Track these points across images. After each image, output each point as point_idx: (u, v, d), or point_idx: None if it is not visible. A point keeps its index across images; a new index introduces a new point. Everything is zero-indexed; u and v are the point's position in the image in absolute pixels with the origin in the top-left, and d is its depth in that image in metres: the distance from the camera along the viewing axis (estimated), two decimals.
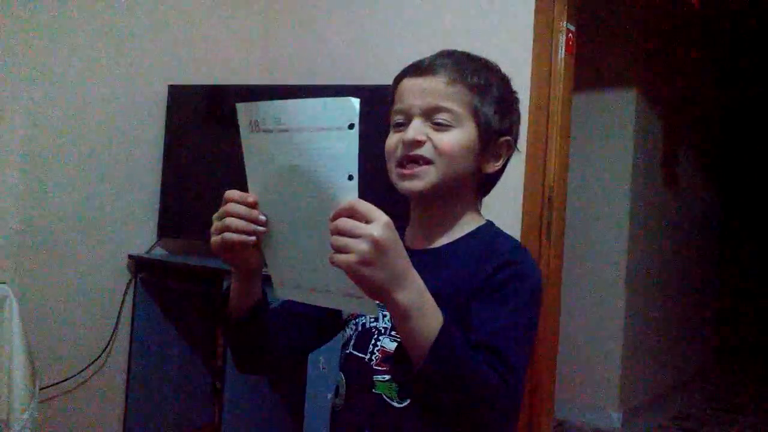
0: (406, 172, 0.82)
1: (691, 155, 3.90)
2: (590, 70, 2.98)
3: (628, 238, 3.14)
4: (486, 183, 0.90)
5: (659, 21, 3.32)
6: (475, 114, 0.83)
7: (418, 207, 0.89)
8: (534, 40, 2.07)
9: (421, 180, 0.82)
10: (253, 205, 0.74)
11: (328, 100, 0.67)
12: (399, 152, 0.83)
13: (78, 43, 2.35)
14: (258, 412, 2.34)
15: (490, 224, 0.90)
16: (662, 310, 3.61)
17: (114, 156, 2.49)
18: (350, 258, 0.64)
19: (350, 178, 0.66)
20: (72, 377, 2.39)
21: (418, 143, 0.81)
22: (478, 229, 0.87)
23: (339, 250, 0.65)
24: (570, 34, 2.11)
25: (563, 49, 2.08)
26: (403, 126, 0.84)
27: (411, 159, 0.82)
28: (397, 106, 0.85)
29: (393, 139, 0.84)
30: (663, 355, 3.68)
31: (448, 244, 0.86)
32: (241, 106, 0.76)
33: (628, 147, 3.15)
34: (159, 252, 2.65)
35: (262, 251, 0.77)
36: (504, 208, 2.12)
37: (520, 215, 2.07)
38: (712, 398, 3.89)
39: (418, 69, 0.85)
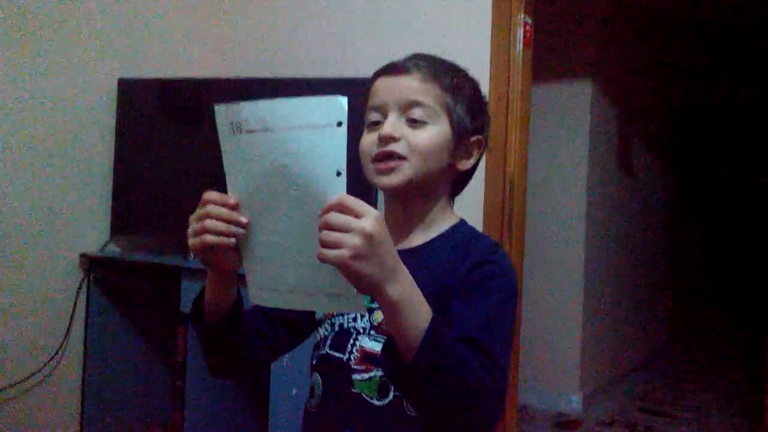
0: (381, 167, 0.82)
1: (645, 145, 4.00)
2: (548, 61, 3.01)
3: (586, 226, 3.20)
4: (459, 181, 0.91)
5: (615, 13, 3.38)
6: (449, 112, 0.84)
7: (393, 204, 0.89)
8: (492, 33, 2.08)
9: (396, 175, 0.82)
10: (234, 207, 0.73)
11: (316, 98, 0.66)
12: (374, 149, 0.83)
13: (21, 37, 2.25)
14: (221, 410, 2.30)
15: (463, 223, 0.91)
16: (620, 295, 3.71)
17: (63, 153, 2.40)
18: (343, 253, 0.63)
19: (338, 174, 0.65)
20: (26, 379, 2.32)
21: (394, 139, 0.81)
22: (453, 227, 0.88)
23: (329, 245, 0.63)
24: (527, 27, 2.12)
25: (521, 42, 2.09)
26: (378, 124, 0.84)
27: (386, 155, 0.82)
28: (372, 102, 0.85)
29: (368, 138, 0.85)
30: (622, 338, 3.79)
31: (424, 243, 0.87)
32: (220, 108, 0.73)
33: (585, 138, 3.20)
34: (112, 250, 2.58)
35: (241, 252, 0.75)
36: (465, 200, 2.13)
37: (482, 207, 2.08)
38: (670, 377, 4.02)
39: (392, 68, 0.85)
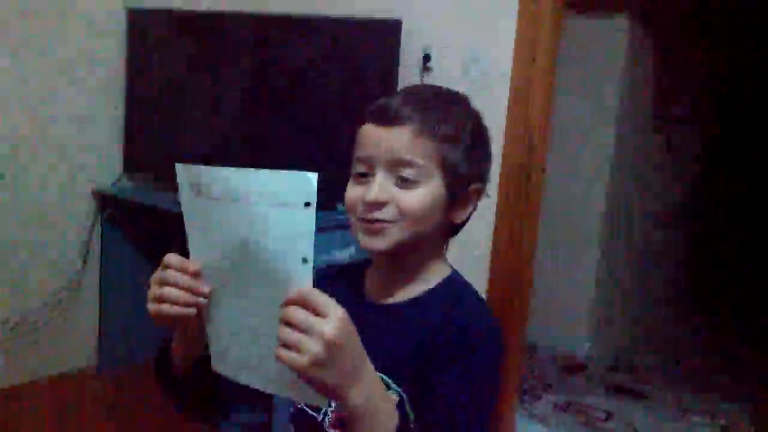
0: (368, 227, 0.76)
1: (682, 98, 3.77)
2: None
3: (610, 178, 3.11)
4: (453, 229, 0.83)
5: None
6: (443, 165, 0.76)
7: (379, 258, 0.83)
8: None
9: (384, 238, 0.75)
10: (195, 275, 0.67)
11: (283, 173, 0.60)
12: (360, 209, 0.76)
13: None
14: None
15: (453, 275, 0.83)
16: (639, 238, 3.67)
17: (73, 86, 2.35)
18: (300, 359, 0.58)
19: (304, 261, 0.59)
20: (46, 311, 2.39)
21: (381, 204, 0.74)
22: (442, 282, 0.82)
23: (288, 345, 0.58)
24: None
25: None
26: (365, 177, 0.76)
27: (371, 223, 0.76)
28: (360, 153, 0.77)
29: (354, 192, 0.77)
30: (636, 277, 3.78)
31: (409, 300, 0.81)
32: (180, 167, 0.67)
33: (616, 83, 3.03)
34: (125, 185, 2.57)
35: (202, 319, 0.69)
36: None
37: (499, 164, 2.01)
38: (681, 318, 4.05)
39: (382, 117, 0.76)
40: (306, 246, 0.59)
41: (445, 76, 2.09)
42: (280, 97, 2.28)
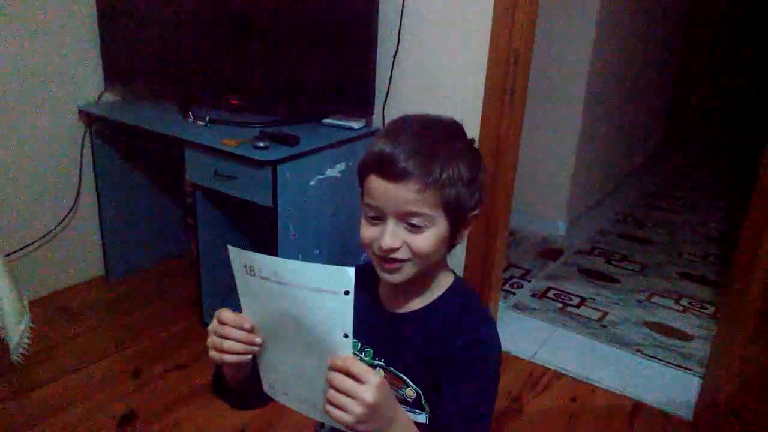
0: (387, 266, 0.86)
1: None
2: None
3: (591, 60, 3.11)
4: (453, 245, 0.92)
5: None
6: (447, 207, 0.84)
7: None
8: None
9: (401, 274, 0.86)
10: (249, 331, 0.79)
11: (326, 267, 0.69)
12: (376, 250, 0.85)
13: None
14: (230, 242, 2.47)
15: (456, 282, 0.94)
16: (616, 115, 3.74)
17: (44, 8, 2.27)
18: (347, 417, 0.71)
19: (345, 336, 0.71)
20: (51, 231, 2.49)
21: (394, 249, 0.84)
22: (449, 290, 0.92)
23: (335, 406, 0.72)
24: None
25: None
26: (377, 220, 0.85)
27: (390, 259, 0.85)
28: (369, 201, 0.85)
29: (370, 233, 0.85)
30: (612, 157, 3.91)
31: (422, 308, 0.91)
32: (234, 251, 0.77)
33: None
34: (108, 98, 2.56)
35: (256, 358, 0.83)
36: (467, 78, 2.08)
37: (483, 82, 2.04)
38: (650, 194, 4.24)
39: (386, 171, 0.82)
40: (347, 324, 0.71)
41: None
42: (262, 3, 2.22)
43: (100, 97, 2.52)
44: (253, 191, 1.98)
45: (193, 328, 2.38)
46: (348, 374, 0.72)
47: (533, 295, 2.74)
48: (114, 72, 2.51)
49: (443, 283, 0.93)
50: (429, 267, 0.88)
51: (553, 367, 2.23)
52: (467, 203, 0.86)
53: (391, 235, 0.83)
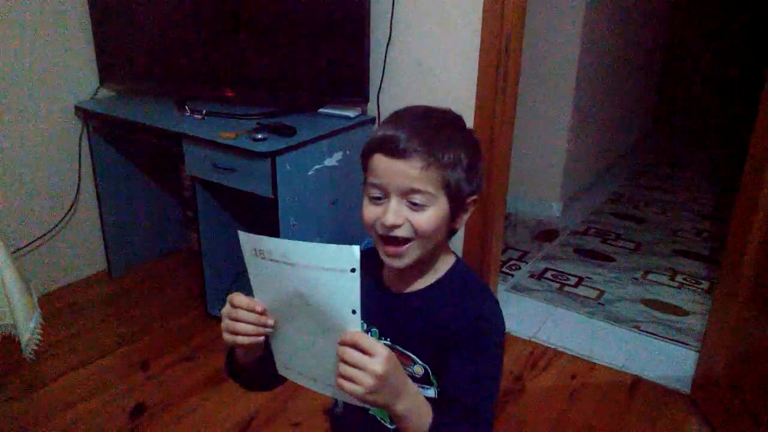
0: (390, 251, 0.88)
1: None
2: None
3: (580, 44, 3.13)
4: (453, 230, 0.95)
5: None
6: (448, 188, 0.87)
7: None
8: None
9: (405, 258, 0.89)
10: (261, 313, 0.83)
11: (332, 246, 0.72)
12: (379, 228, 0.88)
13: None
14: (231, 234, 2.47)
15: (457, 262, 0.97)
16: (606, 91, 3.76)
17: (37, 5, 2.27)
18: (357, 389, 0.74)
19: (353, 312, 0.74)
20: (52, 229, 2.51)
21: (397, 226, 0.86)
22: (450, 271, 0.95)
23: (346, 378, 0.74)
24: None
25: None
26: (379, 200, 0.87)
27: (393, 239, 0.87)
28: (373, 180, 0.87)
29: (372, 212, 0.88)
30: (605, 139, 3.95)
31: (425, 288, 0.94)
32: (243, 236, 0.79)
33: None
34: (104, 94, 2.57)
35: (268, 338, 0.86)
36: (460, 62, 2.09)
37: (476, 67, 2.06)
38: (646, 172, 4.29)
39: (390, 149, 0.85)
40: (354, 300, 0.74)
41: None
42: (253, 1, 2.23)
43: (95, 94, 2.53)
44: (252, 183, 2.01)
45: (197, 320, 2.41)
46: (357, 348, 0.74)
47: (531, 276, 2.78)
48: (109, 68, 2.51)
49: (445, 264, 0.96)
50: (430, 250, 0.91)
51: (553, 346, 2.27)
52: (466, 188, 0.89)
53: (394, 212, 0.86)
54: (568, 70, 3.20)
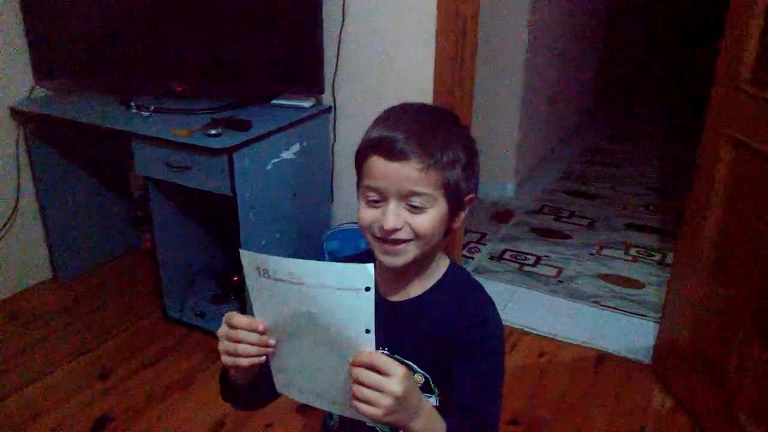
0: (388, 248, 0.85)
1: None
2: None
3: (527, 35, 3.16)
4: (449, 230, 0.93)
5: None
6: (446, 188, 0.84)
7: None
8: None
9: (402, 256, 0.86)
10: (262, 332, 0.78)
11: (343, 265, 0.69)
12: (376, 231, 0.85)
13: None
14: (187, 233, 2.39)
15: (451, 267, 0.95)
16: (552, 73, 3.82)
17: None
18: (376, 411, 0.71)
19: (367, 331, 0.71)
20: None
21: (397, 230, 0.83)
22: (445, 275, 0.93)
23: (362, 401, 0.71)
24: None
25: None
26: (377, 203, 0.84)
27: (391, 241, 0.84)
28: (369, 183, 0.84)
29: (368, 215, 0.85)
30: (552, 118, 4.01)
31: (421, 294, 0.92)
32: (246, 255, 0.75)
33: None
34: (40, 93, 2.42)
35: (267, 359, 0.82)
36: (418, 51, 2.07)
37: (433, 56, 2.04)
38: (593, 149, 4.39)
39: (388, 151, 0.82)
40: (368, 319, 0.71)
41: None
42: None
43: (30, 93, 2.38)
44: (209, 181, 1.94)
45: (156, 324, 2.32)
46: (373, 369, 0.72)
47: (491, 258, 2.81)
48: (44, 65, 2.36)
49: (440, 268, 0.94)
50: (427, 251, 0.89)
51: (519, 327, 2.30)
52: (464, 187, 0.88)
53: (393, 216, 0.83)
54: (517, 49, 3.22)
